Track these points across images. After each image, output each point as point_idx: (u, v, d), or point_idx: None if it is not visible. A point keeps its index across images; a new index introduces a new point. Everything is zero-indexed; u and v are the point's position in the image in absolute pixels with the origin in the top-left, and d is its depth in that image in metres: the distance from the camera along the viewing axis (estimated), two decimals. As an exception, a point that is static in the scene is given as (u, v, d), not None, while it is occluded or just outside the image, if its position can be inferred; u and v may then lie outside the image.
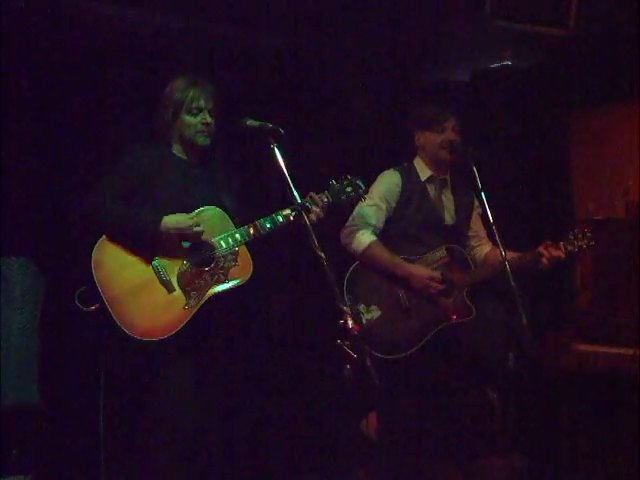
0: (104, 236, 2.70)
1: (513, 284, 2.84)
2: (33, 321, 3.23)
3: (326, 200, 2.86)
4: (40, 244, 3.35)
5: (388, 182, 3.34)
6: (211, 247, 2.75)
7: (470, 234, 3.46)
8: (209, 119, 2.84)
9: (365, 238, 3.26)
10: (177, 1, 3.55)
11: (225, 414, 2.93)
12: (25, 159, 3.41)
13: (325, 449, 3.84)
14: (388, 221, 3.34)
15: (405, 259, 3.26)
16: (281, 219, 2.80)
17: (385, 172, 3.39)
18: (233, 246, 2.76)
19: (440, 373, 3.28)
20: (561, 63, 4.29)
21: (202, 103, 2.83)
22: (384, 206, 3.30)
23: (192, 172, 2.87)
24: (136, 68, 3.65)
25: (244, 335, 3.47)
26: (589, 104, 4.31)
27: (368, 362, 2.23)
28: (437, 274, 3.19)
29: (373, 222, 3.29)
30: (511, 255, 3.19)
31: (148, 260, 2.70)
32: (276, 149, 2.44)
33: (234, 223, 2.82)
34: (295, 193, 2.42)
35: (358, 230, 3.28)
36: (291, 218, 2.77)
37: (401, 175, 3.35)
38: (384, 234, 3.33)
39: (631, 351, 3.33)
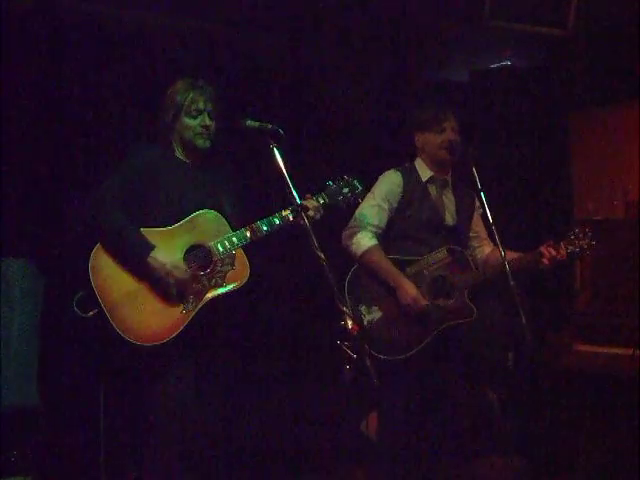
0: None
1: (512, 284, 2.83)
2: (32, 322, 3.23)
3: (322, 201, 2.84)
4: (39, 245, 3.35)
5: (390, 182, 3.33)
6: (208, 251, 2.74)
7: (471, 235, 3.46)
8: (208, 121, 2.82)
9: (365, 241, 3.25)
10: (177, 1, 3.55)
11: (225, 415, 2.93)
12: (25, 160, 3.41)
13: (325, 449, 3.84)
14: (389, 221, 3.33)
15: (406, 260, 3.26)
16: (278, 221, 2.77)
17: (386, 172, 3.38)
18: (230, 249, 2.74)
19: (440, 373, 3.27)
20: (560, 63, 4.29)
21: (201, 105, 2.81)
22: (386, 206, 3.30)
23: (192, 174, 2.86)
24: (137, 69, 3.65)
25: (243, 335, 3.47)
26: (588, 104, 4.32)
27: (368, 362, 2.23)
28: (422, 303, 3.16)
29: (375, 223, 3.28)
30: (512, 255, 3.19)
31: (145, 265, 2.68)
32: (275, 149, 2.42)
33: (232, 226, 2.80)
34: (294, 194, 2.40)
35: (359, 232, 3.26)
36: (290, 219, 2.74)
37: (402, 175, 3.35)
38: (385, 235, 3.33)
39: (630, 351, 3.34)
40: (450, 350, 3.24)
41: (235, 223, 2.82)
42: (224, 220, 2.80)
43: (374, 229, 3.28)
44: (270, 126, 2.48)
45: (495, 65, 4.50)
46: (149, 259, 2.62)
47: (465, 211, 3.40)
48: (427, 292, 3.22)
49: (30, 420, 3.20)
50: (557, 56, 4.25)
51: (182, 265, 2.67)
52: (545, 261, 3.17)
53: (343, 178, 2.93)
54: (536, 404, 3.74)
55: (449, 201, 3.40)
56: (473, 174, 3.01)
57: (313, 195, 2.84)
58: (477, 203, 3.40)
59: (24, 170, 3.40)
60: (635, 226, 3.55)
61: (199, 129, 2.80)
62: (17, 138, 3.37)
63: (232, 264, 2.74)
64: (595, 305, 3.63)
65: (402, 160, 3.44)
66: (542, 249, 3.19)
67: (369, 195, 3.23)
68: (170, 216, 2.73)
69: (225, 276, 2.72)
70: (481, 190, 2.98)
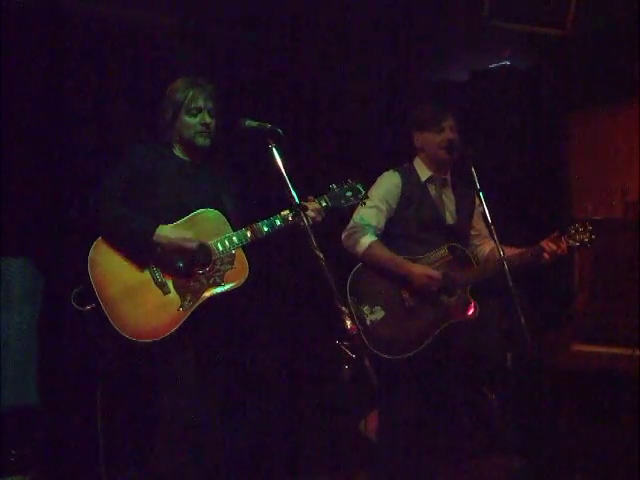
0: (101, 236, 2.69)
1: (511, 284, 2.84)
2: (32, 321, 3.24)
3: (324, 204, 2.83)
4: (39, 244, 3.35)
5: (388, 183, 3.34)
6: (208, 250, 2.72)
7: (472, 233, 3.47)
8: (208, 119, 2.82)
9: (366, 239, 3.26)
10: (177, 1, 3.55)
11: (223, 414, 2.93)
12: (25, 159, 3.41)
13: (324, 449, 3.84)
14: (389, 222, 3.33)
15: (407, 259, 3.26)
16: (279, 222, 2.76)
17: (385, 173, 3.38)
18: (230, 249, 2.72)
19: (440, 373, 3.27)
20: (559, 63, 4.29)
21: (201, 103, 2.81)
22: (384, 207, 3.30)
23: (193, 173, 2.85)
24: (137, 68, 3.65)
25: (242, 336, 3.47)
26: (587, 104, 4.32)
27: (366, 362, 2.23)
28: (437, 273, 3.19)
29: (374, 224, 3.29)
30: (513, 251, 3.21)
31: (144, 261, 2.68)
32: (274, 149, 2.41)
33: (232, 225, 2.80)
34: (294, 193, 2.39)
35: (359, 232, 3.27)
36: (290, 219, 2.74)
37: (401, 176, 3.35)
38: (386, 235, 3.33)
39: (629, 351, 3.34)
40: (450, 350, 3.24)
41: (236, 222, 2.81)
42: (225, 219, 2.79)
43: (373, 230, 3.28)
44: (269, 126, 2.47)
45: (494, 65, 4.50)
46: (155, 237, 2.62)
47: (465, 209, 3.41)
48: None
49: (29, 419, 3.20)
50: (556, 56, 4.25)
51: (190, 236, 2.67)
52: (546, 256, 3.19)
53: (346, 181, 2.92)
54: (535, 404, 3.73)
55: (449, 200, 3.40)
56: (472, 174, 3.02)
57: (315, 197, 2.82)
58: (477, 201, 3.40)
59: (24, 169, 3.39)
60: (634, 226, 3.55)
61: (199, 127, 2.80)
62: (17, 138, 3.37)
63: (231, 263, 2.73)
64: (594, 305, 3.64)
65: (401, 160, 3.44)
66: (543, 244, 3.20)
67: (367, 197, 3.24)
68: (170, 215, 2.72)
69: (224, 275, 2.72)
70: (480, 190, 2.98)
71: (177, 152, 2.87)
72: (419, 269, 3.18)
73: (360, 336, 2.61)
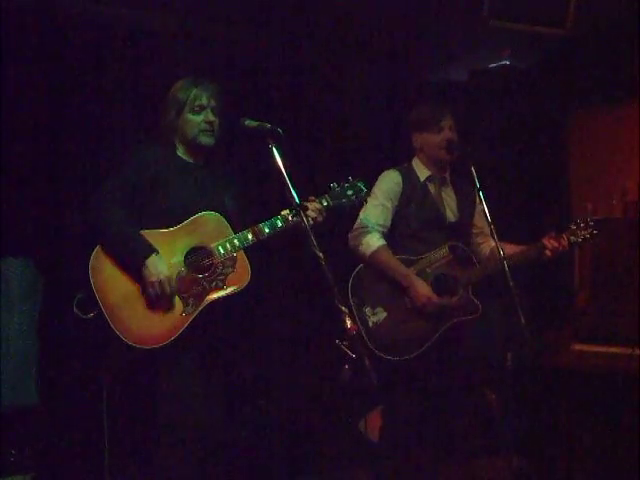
0: None
1: (511, 284, 2.84)
2: (32, 321, 3.23)
3: (325, 204, 2.81)
4: (38, 244, 3.35)
5: (389, 181, 3.34)
6: (209, 253, 2.70)
7: (475, 231, 3.47)
8: (212, 117, 2.78)
9: (373, 241, 3.25)
10: (178, 1, 3.55)
11: (225, 415, 2.93)
12: (24, 159, 3.41)
13: (323, 449, 3.84)
14: (392, 221, 3.34)
15: (408, 259, 3.26)
16: (280, 224, 2.74)
17: (385, 172, 3.39)
18: (231, 252, 2.71)
19: (440, 374, 3.27)
20: (559, 63, 4.29)
21: (205, 101, 2.78)
22: (389, 205, 3.31)
23: (195, 174, 2.82)
24: (137, 69, 3.65)
25: (242, 335, 3.47)
26: (587, 104, 4.32)
27: (366, 362, 2.23)
28: (437, 299, 3.18)
29: (381, 222, 3.29)
30: (514, 249, 3.22)
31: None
32: (274, 149, 2.40)
33: (234, 226, 2.77)
34: (294, 193, 2.38)
35: (367, 233, 3.26)
36: (289, 218, 2.73)
37: (401, 174, 3.36)
38: (388, 234, 3.33)
39: (629, 350, 3.34)
40: (450, 351, 3.24)
41: (238, 223, 2.79)
42: (226, 222, 2.77)
43: (380, 228, 3.29)
44: (269, 126, 2.45)
45: (494, 65, 4.50)
46: (144, 264, 2.59)
47: (467, 207, 3.41)
48: (432, 290, 3.23)
49: (29, 419, 3.20)
50: (556, 56, 4.25)
51: (174, 279, 2.63)
52: (548, 252, 3.19)
53: (348, 180, 2.90)
54: (535, 404, 3.74)
55: (449, 198, 3.41)
56: (472, 173, 3.02)
57: (317, 197, 2.81)
58: (477, 200, 3.40)
59: (23, 169, 3.39)
60: (633, 226, 3.55)
61: (203, 125, 2.78)
62: (17, 138, 3.37)
63: (233, 266, 2.71)
64: (594, 305, 3.63)
65: (400, 160, 3.45)
66: (544, 241, 3.21)
67: (371, 196, 3.23)
68: (172, 217, 2.70)
69: (226, 279, 2.70)
70: (480, 189, 2.99)
71: (180, 153, 2.85)
72: (421, 289, 3.17)
73: (360, 336, 2.60)
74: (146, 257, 2.61)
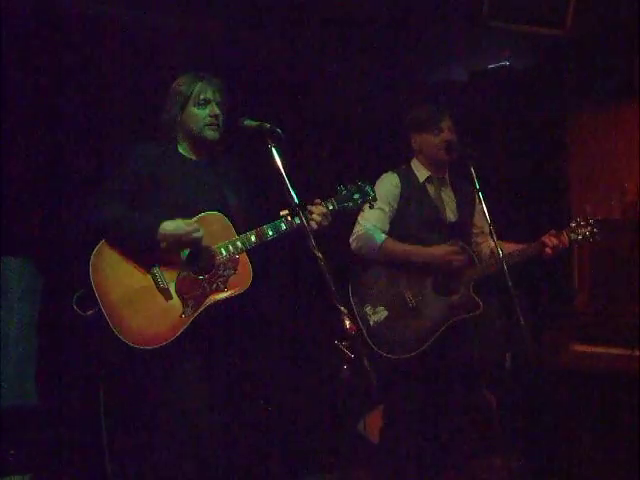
0: (103, 241, 2.62)
1: (510, 284, 2.84)
2: (31, 321, 3.23)
3: (331, 207, 2.76)
4: (38, 244, 3.35)
5: (387, 184, 3.34)
6: (211, 254, 2.65)
7: (475, 231, 3.47)
8: (217, 111, 2.72)
9: (377, 238, 3.25)
10: (177, 1, 3.55)
11: (224, 415, 2.92)
12: (24, 159, 3.41)
13: (324, 449, 3.84)
14: (391, 223, 3.34)
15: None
16: (284, 227, 2.69)
17: (384, 175, 3.39)
18: (233, 253, 2.66)
19: (440, 373, 3.28)
20: (558, 63, 4.29)
21: (210, 95, 2.72)
22: (387, 209, 3.31)
23: (198, 172, 2.77)
24: (137, 68, 3.65)
25: (241, 336, 3.47)
26: (586, 105, 4.32)
27: (365, 362, 2.23)
28: (455, 247, 3.20)
29: (380, 226, 3.29)
30: (515, 247, 3.23)
31: (147, 266, 2.61)
32: (274, 149, 2.38)
33: (236, 225, 2.73)
34: (292, 193, 2.35)
35: (368, 234, 3.26)
36: (293, 221, 2.68)
37: (399, 177, 3.36)
38: (388, 235, 3.33)
39: (629, 351, 3.34)
40: (450, 351, 3.24)
41: (239, 219, 2.75)
42: (229, 223, 2.72)
43: (380, 231, 3.28)
44: (268, 126, 2.43)
45: (494, 65, 4.50)
46: (160, 234, 2.56)
47: (466, 207, 3.42)
48: (432, 289, 3.23)
49: (28, 419, 3.20)
50: (556, 56, 4.25)
51: (194, 223, 2.59)
52: (548, 250, 3.20)
53: (355, 183, 2.85)
54: (534, 404, 3.74)
55: (449, 198, 3.41)
56: (471, 174, 3.02)
57: (322, 201, 2.76)
58: (477, 200, 3.40)
59: (23, 168, 3.39)
60: (633, 227, 3.56)
61: (208, 119, 2.72)
62: (17, 138, 3.36)
63: (234, 269, 2.67)
64: (593, 305, 3.64)
65: (400, 161, 3.45)
66: (544, 239, 3.21)
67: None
68: (173, 216, 2.64)
69: (227, 281, 2.66)
70: (479, 190, 2.99)
71: (181, 150, 2.79)
72: (439, 249, 3.20)
73: (360, 336, 2.60)
74: (158, 225, 2.56)
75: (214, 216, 2.71)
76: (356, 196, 2.83)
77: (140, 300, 2.58)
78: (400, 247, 3.24)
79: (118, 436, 3.18)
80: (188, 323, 2.60)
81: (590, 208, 3.48)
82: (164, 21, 3.73)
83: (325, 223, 2.71)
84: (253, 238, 2.68)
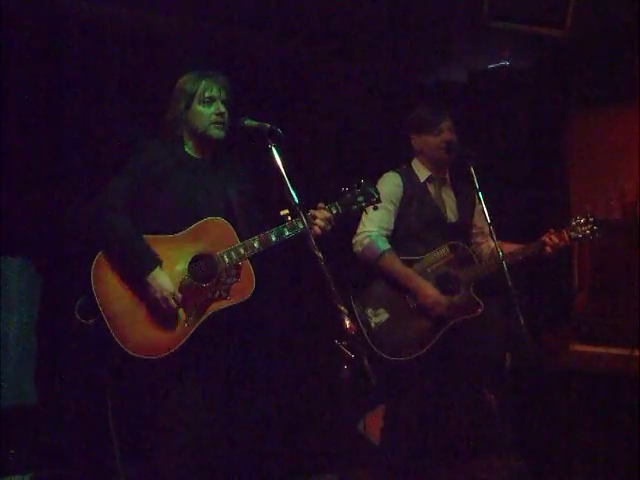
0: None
1: (510, 284, 2.84)
2: (30, 321, 3.23)
3: (335, 212, 2.74)
4: (37, 244, 3.35)
5: (390, 183, 3.34)
6: (214, 261, 2.62)
7: (475, 231, 3.48)
8: (223, 109, 2.69)
9: (378, 245, 3.24)
10: (178, 1, 3.55)
11: (224, 415, 2.92)
12: (24, 159, 3.41)
13: (323, 449, 3.84)
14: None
15: (409, 260, 3.26)
16: (287, 232, 2.66)
17: (385, 175, 3.39)
18: (237, 261, 2.63)
19: (441, 374, 3.28)
20: (558, 64, 4.29)
21: (215, 92, 2.69)
22: (391, 208, 3.30)
23: (202, 172, 2.74)
24: (137, 68, 3.65)
25: (242, 339, 3.47)
26: (586, 105, 4.32)
27: (365, 362, 2.22)
28: (445, 301, 3.18)
29: (384, 226, 3.28)
30: (515, 247, 3.23)
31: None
32: (274, 149, 2.37)
33: (238, 224, 2.70)
34: (293, 193, 2.34)
35: (371, 237, 3.25)
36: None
37: (401, 176, 3.36)
38: (390, 236, 3.33)
39: (629, 351, 3.34)
40: (451, 351, 3.24)
41: (242, 218, 2.72)
42: (232, 229, 2.69)
43: (384, 232, 3.28)
44: (269, 126, 2.42)
45: (494, 65, 4.50)
46: (148, 279, 2.53)
47: (467, 207, 3.42)
48: None
49: (28, 419, 3.20)
50: (555, 56, 4.25)
51: (178, 295, 2.56)
52: (549, 249, 3.20)
53: (359, 184, 2.80)
54: (534, 404, 3.74)
55: (449, 198, 3.41)
56: (471, 174, 3.02)
57: (326, 204, 2.74)
58: (477, 200, 3.40)
59: (23, 168, 3.39)
60: (633, 227, 3.56)
61: (214, 117, 2.68)
62: (16, 138, 3.36)
63: (237, 276, 2.64)
64: (593, 305, 3.64)
65: (400, 162, 3.45)
66: (544, 238, 3.21)
67: None
68: (177, 216, 2.64)
69: (229, 289, 2.63)
70: (479, 190, 2.99)
71: (187, 148, 2.75)
72: (429, 291, 3.18)
73: (360, 336, 2.59)
74: (151, 269, 2.54)
75: (217, 222, 2.67)
76: (360, 199, 2.80)
77: (142, 309, 2.56)
78: (398, 266, 3.22)
79: (121, 441, 3.18)
80: (190, 332, 2.57)
81: (590, 208, 3.49)
82: (164, 21, 3.73)
83: (328, 228, 2.69)
84: (256, 244, 2.65)
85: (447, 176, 3.43)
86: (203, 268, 2.62)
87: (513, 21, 3.58)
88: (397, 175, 3.36)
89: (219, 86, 2.70)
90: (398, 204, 3.32)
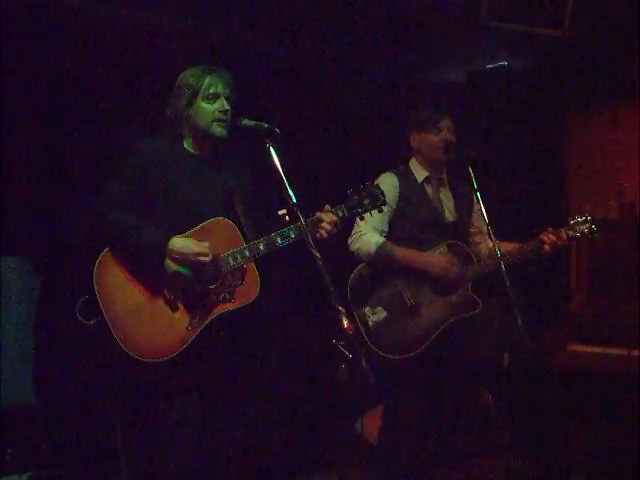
0: (106, 249, 2.54)
1: (508, 284, 2.84)
2: (29, 320, 3.23)
3: (341, 214, 2.68)
4: (36, 244, 3.35)
5: (386, 185, 3.33)
6: (218, 264, 2.57)
7: (472, 230, 3.48)
8: (227, 106, 2.60)
9: (374, 240, 3.24)
10: (179, 1, 3.56)
11: (224, 415, 2.92)
12: (24, 159, 3.41)
13: (322, 449, 3.84)
14: (390, 223, 3.34)
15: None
16: (293, 235, 2.60)
17: (382, 176, 3.38)
18: (241, 263, 2.58)
19: (439, 373, 3.28)
20: (556, 64, 4.30)
21: (220, 89, 2.60)
22: (385, 209, 3.29)
23: (203, 169, 2.67)
24: (137, 68, 3.65)
25: (245, 341, 3.47)
26: (584, 105, 4.33)
27: (363, 362, 2.23)
28: (456, 267, 3.20)
29: (378, 227, 3.28)
30: (513, 246, 3.23)
31: (152, 277, 2.54)
32: (271, 148, 2.37)
33: (240, 223, 2.66)
34: (290, 192, 2.35)
35: (366, 235, 3.26)
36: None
37: (398, 177, 3.36)
38: (387, 237, 3.33)
39: (626, 351, 3.35)
40: (449, 350, 3.24)
41: (244, 217, 2.68)
42: (237, 230, 2.64)
43: (379, 232, 3.28)
44: (266, 125, 2.43)
45: (492, 65, 4.50)
46: (168, 250, 2.49)
47: (464, 207, 3.42)
48: (431, 288, 3.23)
49: (26, 419, 3.20)
50: (554, 56, 4.25)
51: (205, 247, 2.52)
52: (547, 247, 3.20)
53: (365, 186, 2.76)
54: (532, 404, 3.73)
55: (447, 198, 3.41)
56: (469, 174, 3.02)
57: (332, 207, 2.70)
58: (475, 200, 3.40)
59: (22, 167, 3.40)
60: (631, 227, 3.57)
61: (217, 114, 2.60)
62: (16, 138, 3.37)
63: (242, 279, 2.60)
64: (591, 305, 3.64)
65: (398, 161, 3.45)
66: (542, 236, 3.22)
67: None
68: (179, 216, 2.60)
69: (234, 291, 2.59)
70: (477, 190, 2.99)
71: (187, 145, 2.69)
72: (437, 259, 3.19)
73: (358, 336, 2.60)
74: (169, 238, 2.50)
75: (221, 222, 2.63)
76: (366, 201, 2.76)
77: (146, 312, 2.53)
78: (397, 251, 3.23)
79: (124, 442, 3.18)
80: (194, 336, 2.54)
81: (589, 208, 3.49)
82: (164, 21, 3.73)
83: (334, 232, 2.65)
84: (262, 247, 2.60)
85: (444, 176, 3.43)
86: (208, 269, 2.57)
87: (511, 21, 3.59)
88: (393, 176, 3.36)
89: (224, 82, 2.63)
90: (394, 205, 3.32)
